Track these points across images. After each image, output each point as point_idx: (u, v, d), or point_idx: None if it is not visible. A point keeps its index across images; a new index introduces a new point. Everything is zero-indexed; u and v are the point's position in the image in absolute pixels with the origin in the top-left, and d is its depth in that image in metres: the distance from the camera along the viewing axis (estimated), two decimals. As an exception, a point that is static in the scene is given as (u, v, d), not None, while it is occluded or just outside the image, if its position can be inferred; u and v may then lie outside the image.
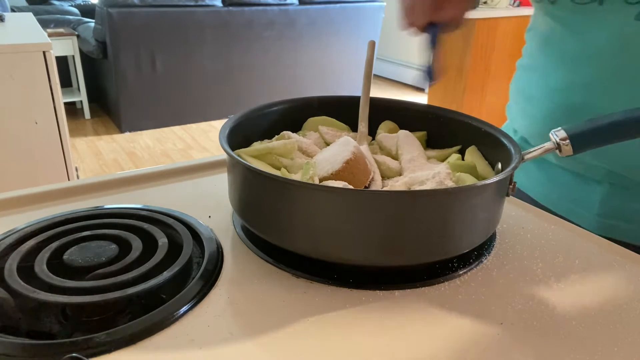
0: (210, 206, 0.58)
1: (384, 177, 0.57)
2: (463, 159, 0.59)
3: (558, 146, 0.50)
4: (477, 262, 0.49)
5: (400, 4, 0.61)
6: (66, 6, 4.08)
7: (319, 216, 0.44)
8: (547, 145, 0.50)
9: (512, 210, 0.61)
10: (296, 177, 0.53)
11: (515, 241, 0.54)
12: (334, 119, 0.66)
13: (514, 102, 0.75)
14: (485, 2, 3.10)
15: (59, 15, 3.79)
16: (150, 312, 0.40)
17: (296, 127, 0.65)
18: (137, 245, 0.47)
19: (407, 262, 0.46)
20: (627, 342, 0.40)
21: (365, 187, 0.53)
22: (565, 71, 0.62)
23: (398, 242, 0.44)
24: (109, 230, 0.49)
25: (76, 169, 1.79)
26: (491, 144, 0.56)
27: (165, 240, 0.48)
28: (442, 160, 0.60)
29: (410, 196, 0.44)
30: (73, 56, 3.40)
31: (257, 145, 0.58)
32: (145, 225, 0.50)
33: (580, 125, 0.50)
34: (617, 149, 0.58)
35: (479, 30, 2.88)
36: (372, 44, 0.65)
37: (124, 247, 0.47)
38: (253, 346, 0.38)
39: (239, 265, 0.48)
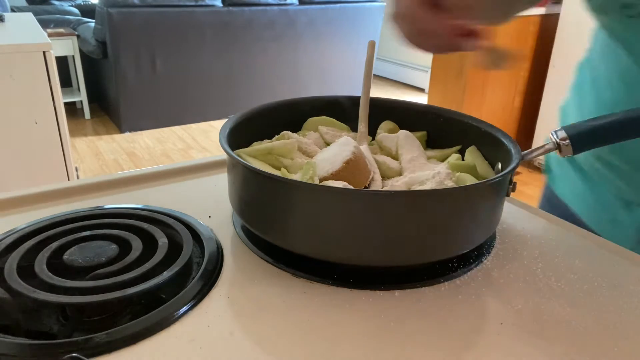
0: (210, 206, 0.58)
1: (384, 177, 0.57)
2: (463, 159, 0.59)
3: (558, 146, 0.50)
4: (477, 262, 0.49)
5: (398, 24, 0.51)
6: (66, 6, 4.08)
7: (319, 216, 0.44)
8: (547, 145, 0.50)
9: (512, 210, 0.61)
10: (296, 177, 0.53)
11: (515, 241, 0.54)
12: (334, 119, 0.66)
13: (572, 104, 0.70)
14: (485, 2, 3.10)
15: (59, 15, 3.79)
16: (150, 312, 0.40)
17: (296, 127, 0.65)
18: (137, 245, 0.47)
19: (407, 262, 0.46)
20: (627, 342, 0.40)
21: (365, 187, 0.53)
22: (616, 86, 0.59)
23: (398, 242, 0.44)
24: (109, 230, 0.49)
25: (76, 169, 1.79)
26: (491, 144, 0.56)
27: (165, 240, 0.48)
28: (442, 160, 0.60)
29: (410, 196, 0.44)
30: (73, 56, 3.40)
31: (257, 145, 0.58)
32: (145, 225, 0.50)
33: (580, 125, 0.50)
34: None
35: (479, 30, 2.87)
36: (372, 44, 0.65)
37: (124, 247, 0.47)
38: (253, 346, 0.38)
39: (239, 265, 0.48)
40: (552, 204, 0.70)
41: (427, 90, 4.03)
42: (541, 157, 0.59)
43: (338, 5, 3.90)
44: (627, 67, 0.56)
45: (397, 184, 0.53)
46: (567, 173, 0.71)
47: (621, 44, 0.57)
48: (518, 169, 0.50)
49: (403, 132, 0.62)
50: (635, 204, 0.63)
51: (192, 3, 3.29)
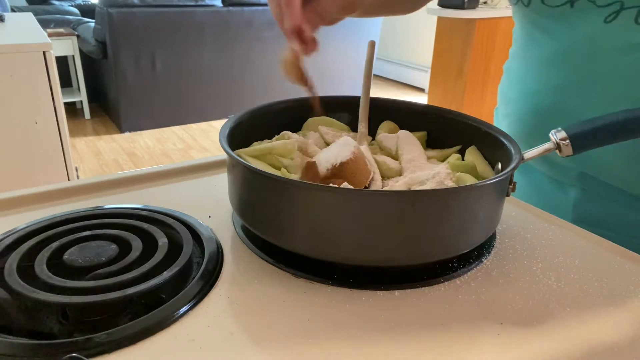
0: (210, 206, 0.58)
1: (384, 177, 0.57)
2: (463, 159, 0.59)
3: (558, 146, 0.50)
4: (477, 262, 0.49)
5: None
6: (66, 6, 4.09)
7: (319, 216, 0.44)
8: (547, 145, 0.50)
9: (512, 210, 0.61)
10: (296, 177, 0.53)
11: (515, 241, 0.54)
12: (334, 119, 0.66)
13: (500, 105, 0.76)
14: (485, 2, 3.10)
15: (59, 15, 3.79)
16: (150, 312, 0.40)
17: (296, 127, 0.65)
18: (137, 245, 0.47)
19: (407, 262, 0.46)
20: (627, 342, 0.40)
21: (365, 187, 0.53)
22: (538, 73, 0.63)
23: (398, 242, 0.44)
24: (109, 230, 0.49)
25: (76, 169, 1.79)
26: (491, 144, 0.56)
27: (165, 240, 0.48)
28: (442, 160, 0.60)
29: (410, 196, 0.44)
30: (73, 56, 3.40)
31: (257, 145, 0.58)
32: (145, 225, 0.50)
33: (580, 125, 0.50)
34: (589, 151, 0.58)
35: (479, 30, 2.88)
36: (372, 44, 0.65)
37: (124, 247, 0.47)
38: (253, 346, 0.38)
39: (239, 265, 0.48)
40: None
41: (427, 90, 4.04)
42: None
43: (338, 5, 3.89)
44: (549, 55, 0.61)
45: (397, 184, 0.53)
46: None
47: (540, 31, 0.62)
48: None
49: (403, 132, 0.62)
50: (567, 185, 0.65)
51: (192, 3, 3.29)
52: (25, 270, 0.43)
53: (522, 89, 0.66)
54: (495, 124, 0.77)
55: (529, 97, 0.65)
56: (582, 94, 0.58)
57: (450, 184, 0.51)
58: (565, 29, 0.59)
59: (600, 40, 0.55)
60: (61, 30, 3.42)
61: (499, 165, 0.53)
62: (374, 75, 5.26)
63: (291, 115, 0.64)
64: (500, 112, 0.75)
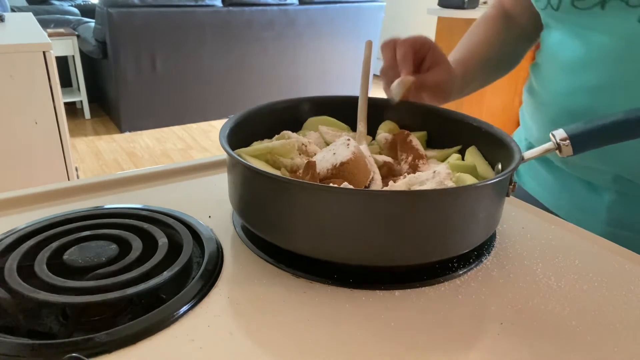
0: (210, 206, 0.58)
1: (384, 177, 0.57)
2: (463, 159, 0.59)
3: (558, 146, 0.50)
4: (477, 262, 0.49)
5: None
6: (66, 6, 4.09)
7: (319, 216, 0.44)
8: (547, 145, 0.50)
9: (512, 210, 0.61)
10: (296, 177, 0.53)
11: (515, 241, 0.54)
12: (334, 119, 0.66)
13: (526, 106, 0.74)
14: (485, 2, 3.10)
15: (59, 15, 3.79)
16: (150, 312, 0.40)
17: (296, 127, 0.65)
18: (137, 245, 0.47)
19: (407, 262, 0.46)
20: (627, 342, 0.40)
21: (365, 187, 0.53)
22: (570, 76, 0.62)
23: (398, 242, 0.44)
24: (109, 230, 0.49)
25: (76, 169, 1.79)
26: (491, 144, 0.56)
27: (165, 240, 0.48)
28: (442, 160, 0.60)
29: (410, 196, 0.44)
30: (73, 56, 3.40)
31: (257, 145, 0.58)
32: (145, 225, 0.50)
33: (580, 125, 0.50)
34: (625, 154, 0.57)
35: (479, 30, 2.87)
36: (369, 44, 0.65)
37: (124, 247, 0.47)
38: (253, 346, 0.38)
39: (239, 265, 0.48)
40: (518, 196, 0.71)
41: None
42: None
43: (338, 5, 3.90)
44: (582, 57, 0.60)
45: (397, 184, 0.53)
46: (532, 166, 0.73)
47: (571, 33, 0.61)
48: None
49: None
50: (601, 188, 0.64)
51: (192, 3, 3.29)
52: (25, 270, 0.43)
53: (553, 92, 0.65)
54: (522, 125, 0.76)
55: (562, 99, 0.63)
56: (617, 95, 0.57)
57: (450, 184, 0.51)
58: (598, 30, 0.58)
59: (633, 41, 0.54)
60: (61, 30, 3.42)
61: (499, 166, 0.53)
62: (375, 75, 5.25)
63: (291, 115, 0.64)
64: (527, 114, 0.74)
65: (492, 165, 0.56)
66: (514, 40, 0.77)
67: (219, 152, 0.61)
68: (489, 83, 0.79)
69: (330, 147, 0.56)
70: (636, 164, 0.59)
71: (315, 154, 0.58)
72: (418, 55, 0.63)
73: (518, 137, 0.77)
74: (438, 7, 2.99)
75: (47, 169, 1.67)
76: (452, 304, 0.43)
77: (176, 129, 3.51)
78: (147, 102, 3.38)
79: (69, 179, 1.73)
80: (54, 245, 0.46)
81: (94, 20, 3.34)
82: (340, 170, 0.51)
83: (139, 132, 3.41)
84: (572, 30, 0.61)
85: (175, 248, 0.47)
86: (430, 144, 0.65)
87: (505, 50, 0.77)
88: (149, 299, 0.43)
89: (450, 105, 0.66)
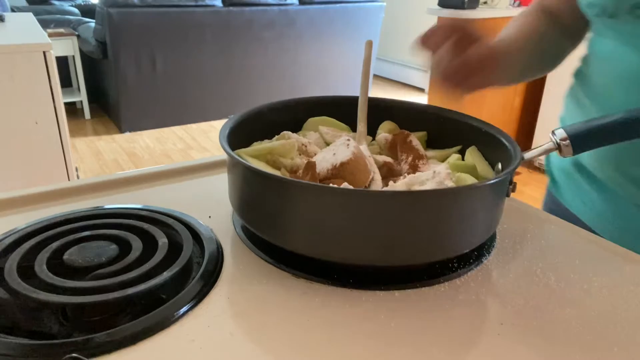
0: (210, 206, 0.58)
1: (384, 177, 0.57)
2: (463, 159, 0.59)
3: (558, 146, 0.50)
4: (477, 262, 0.49)
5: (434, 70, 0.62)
6: (66, 6, 4.09)
7: (319, 216, 0.44)
8: (547, 145, 0.50)
9: (512, 210, 0.61)
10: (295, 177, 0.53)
11: (515, 241, 0.54)
12: (334, 119, 0.66)
13: (569, 115, 0.69)
14: (485, 2, 3.10)
15: (59, 15, 3.79)
16: (150, 312, 0.40)
17: (296, 127, 0.65)
18: (137, 245, 0.47)
19: (407, 262, 0.46)
20: (627, 342, 0.40)
21: (365, 187, 0.53)
22: (624, 89, 0.58)
23: (398, 242, 0.44)
24: (109, 230, 0.49)
25: (76, 169, 1.79)
26: (491, 144, 0.56)
27: (165, 240, 0.48)
28: (442, 160, 0.60)
29: (410, 196, 0.44)
30: (73, 56, 3.40)
31: (257, 145, 0.58)
32: (145, 225, 0.50)
33: (580, 125, 0.50)
34: None
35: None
36: (369, 44, 0.65)
37: (124, 247, 0.47)
38: (253, 346, 0.38)
39: (239, 265, 0.48)
40: (558, 214, 0.68)
41: (427, 90, 4.03)
42: (541, 158, 0.59)
43: (338, 5, 3.89)
44: (633, 65, 0.55)
45: (397, 184, 0.53)
46: (576, 183, 0.69)
47: (628, 44, 0.56)
48: (518, 169, 0.50)
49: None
50: None
51: (192, 3, 3.29)
52: (25, 270, 0.43)
53: (607, 105, 0.61)
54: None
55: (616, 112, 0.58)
56: None
57: (450, 184, 0.51)
58: None
59: None
60: (61, 30, 3.41)
61: (499, 166, 0.53)
62: (375, 75, 5.27)
63: (291, 115, 0.64)
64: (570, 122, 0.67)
65: (492, 165, 0.56)
66: (555, 36, 0.71)
67: (219, 152, 0.61)
68: (531, 74, 0.74)
69: (330, 147, 0.56)
70: None
71: (315, 154, 0.58)
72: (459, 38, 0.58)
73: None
74: (438, 7, 2.99)
75: (47, 169, 1.67)
76: (452, 304, 0.43)
77: (176, 129, 3.51)
78: (147, 102, 3.38)
79: (69, 179, 1.73)
80: (54, 245, 0.46)
81: (94, 20, 3.34)
82: (340, 171, 0.51)
83: (139, 132, 3.41)
84: (629, 41, 0.56)
85: (175, 248, 0.47)
86: (430, 144, 0.65)
87: (545, 44, 0.71)
88: (149, 299, 0.43)
89: (450, 105, 0.66)
